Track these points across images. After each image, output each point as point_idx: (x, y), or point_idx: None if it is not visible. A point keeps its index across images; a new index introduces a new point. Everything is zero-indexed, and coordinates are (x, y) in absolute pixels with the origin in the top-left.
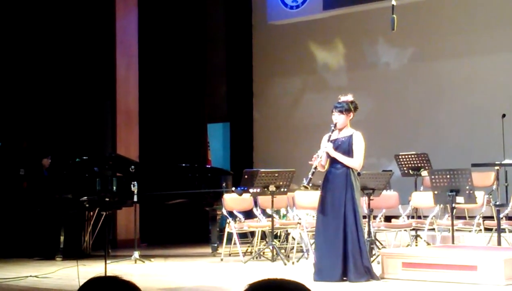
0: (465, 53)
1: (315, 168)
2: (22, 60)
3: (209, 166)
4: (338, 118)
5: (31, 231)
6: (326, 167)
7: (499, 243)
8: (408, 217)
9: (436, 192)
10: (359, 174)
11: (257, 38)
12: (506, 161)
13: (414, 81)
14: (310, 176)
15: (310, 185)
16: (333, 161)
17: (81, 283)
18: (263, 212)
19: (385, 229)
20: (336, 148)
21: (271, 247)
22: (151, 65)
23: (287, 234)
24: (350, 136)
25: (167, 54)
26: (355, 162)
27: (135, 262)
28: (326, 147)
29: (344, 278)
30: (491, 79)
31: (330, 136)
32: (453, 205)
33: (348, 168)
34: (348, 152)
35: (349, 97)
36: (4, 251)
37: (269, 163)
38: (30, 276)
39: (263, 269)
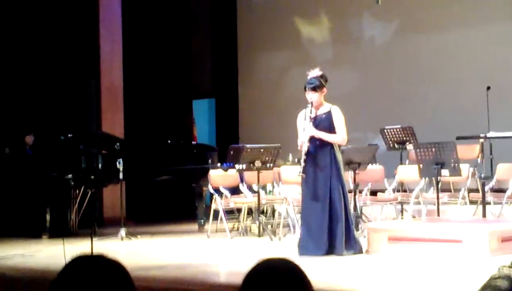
0: (449, 26)
1: (305, 154)
2: (6, 39)
3: (195, 142)
4: (313, 96)
5: (17, 210)
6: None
7: (484, 216)
8: (393, 190)
9: (421, 166)
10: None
11: (241, 13)
12: (491, 134)
13: (399, 54)
14: (303, 164)
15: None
16: (313, 138)
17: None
18: (249, 188)
19: (371, 203)
20: (317, 126)
21: (257, 223)
22: (135, 42)
23: (274, 210)
24: (329, 112)
25: (152, 30)
26: (340, 137)
27: (122, 240)
28: (306, 131)
29: (330, 253)
30: (475, 51)
31: (309, 116)
32: (438, 178)
33: (331, 143)
34: (330, 128)
35: (317, 72)
36: None
37: (255, 139)
38: (17, 254)
39: (250, 245)
